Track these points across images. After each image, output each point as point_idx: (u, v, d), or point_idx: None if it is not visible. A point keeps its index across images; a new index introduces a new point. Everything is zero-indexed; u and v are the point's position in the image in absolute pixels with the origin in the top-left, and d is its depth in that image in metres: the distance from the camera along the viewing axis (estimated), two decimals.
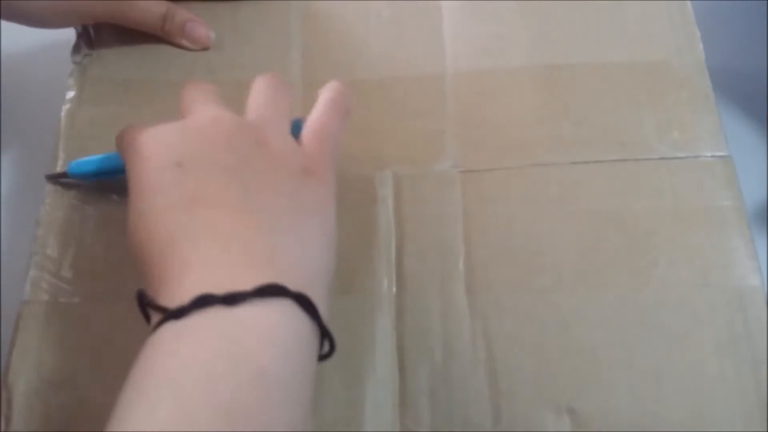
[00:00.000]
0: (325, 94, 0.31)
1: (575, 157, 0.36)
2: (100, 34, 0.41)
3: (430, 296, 0.34)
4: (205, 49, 0.40)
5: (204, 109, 0.29)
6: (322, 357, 0.25)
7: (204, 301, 0.22)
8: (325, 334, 0.24)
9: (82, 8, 0.37)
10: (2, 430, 0.31)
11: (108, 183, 0.37)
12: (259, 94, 0.30)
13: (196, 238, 0.24)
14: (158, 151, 0.26)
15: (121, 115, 0.39)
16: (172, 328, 0.22)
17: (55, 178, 0.37)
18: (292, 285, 0.23)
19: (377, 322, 0.33)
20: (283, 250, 0.25)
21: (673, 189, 0.35)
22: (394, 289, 0.34)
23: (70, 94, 0.39)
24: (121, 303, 0.34)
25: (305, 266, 0.25)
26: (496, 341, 0.33)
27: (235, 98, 0.38)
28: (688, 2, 0.40)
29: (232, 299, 0.22)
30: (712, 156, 0.36)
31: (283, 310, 0.23)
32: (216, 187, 0.25)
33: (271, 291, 0.23)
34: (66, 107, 0.39)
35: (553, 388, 0.32)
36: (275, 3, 0.42)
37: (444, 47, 0.40)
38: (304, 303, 0.23)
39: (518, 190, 0.36)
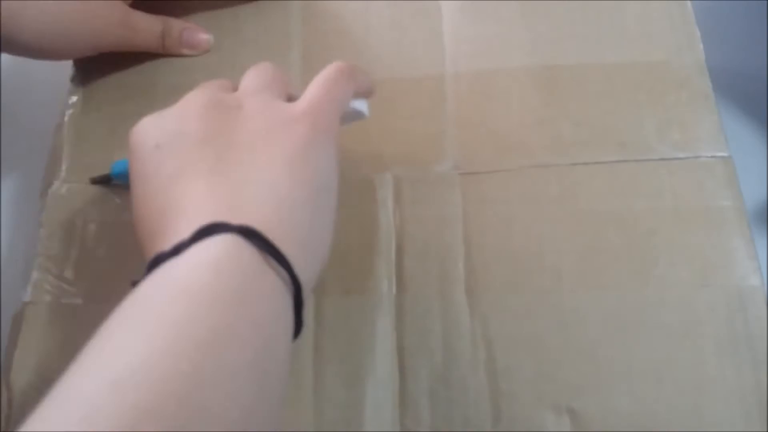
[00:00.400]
0: (333, 64, 0.31)
1: (575, 158, 0.36)
2: None
3: (430, 297, 0.34)
4: (206, 52, 0.41)
5: (192, 92, 0.29)
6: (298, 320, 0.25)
7: (156, 261, 0.23)
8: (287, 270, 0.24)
9: (88, 41, 0.37)
10: (3, 430, 0.32)
11: (110, 186, 0.37)
12: (248, 77, 0.31)
13: (179, 210, 0.25)
14: (140, 138, 0.28)
15: (123, 119, 0.38)
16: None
17: (99, 181, 0.37)
18: (256, 224, 0.23)
19: (377, 322, 0.33)
20: (249, 200, 0.25)
21: (673, 189, 0.35)
22: (394, 290, 0.34)
23: (73, 99, 0.40)
24: None
25: (269, 204, 0.25)
26: (496, 342, 0.33)
27: None
28: (688, 2, 0.40)
29: (176, 250, 0.23)
30: (712, 156, 0.36)
31: (223, 245, 0.23)
32: (190, 159, 0.26)
33: (210, 230, 0.23)
34: (69, 112, 0.39)
35: (553, 388, 0.32)
36: (275, 4, 0.42)
37: (444, 48, 0.40)
38: (252, 235, 0.23)
39: (518, 191, 0.36)
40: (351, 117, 0.33)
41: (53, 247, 0.35)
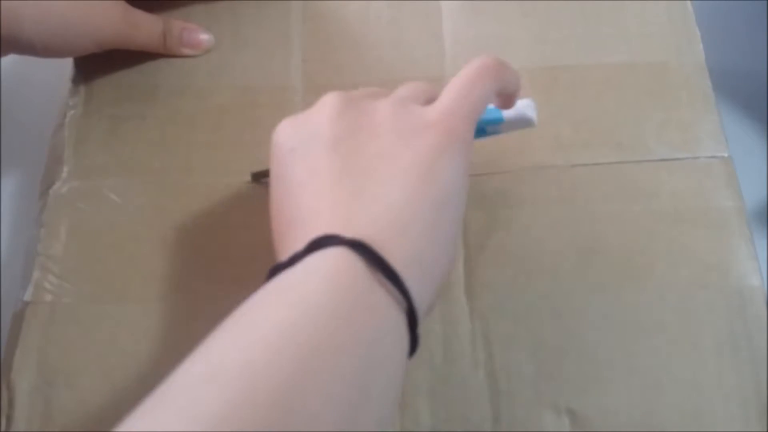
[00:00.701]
0: (475, 60, 0.29)
1: (574, 159, 0.36)
2: None
3: None
4: (206, 52, 0.41)
5: (330, 94, 0.29)
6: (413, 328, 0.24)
7: (274, 271, 0.24)
8: (403, 292, 0.23)
9: (90, 37, 0.37)
10: (3, 429, 0.32)
11: (109, 184, 0.37)
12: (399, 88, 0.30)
13: (301, 219, 0.26)
14: (279, 140, 0.28)
15: (124, 119, 0.39)
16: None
17: (259, 176, 0.36)
18: (367, 238, 0.23)
19: None
20: (365, 212, 0.25)
21: (672, 190, 0.35)
22: None
23: (73, 100, 0.40)
24: (123, 304, 0.34)
25: (385, 218, 0.24)
26: (496, 342, 0.33)
27: (236, 102, 0.39)
28: (688, 2, 0.40)
29: (291, 261, 0.24)
30: (711, 156, 0.36)
31: (332, 258, 0.23)
32: (318, 167, 0.26)
33: (322, 243, 0.23)
34: (69, 113, 0.39)
35: (553, 388, 0.32)
36: (275, 5, 0.42)
37: (444, 48, 0.40)
38: (362, 249, 0.23)
39: (517, 191, 0.36)
40: (516, 125, 0.32)
41: (53, 247, 0.35)
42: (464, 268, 0.34)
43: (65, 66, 0.41)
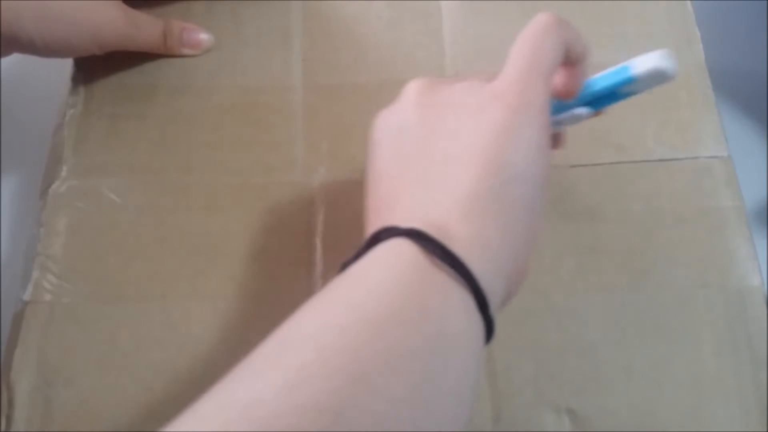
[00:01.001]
0: (532, 21, 0.27)
1: (574, 160, 0.36)
2: None
3: None
4: (206, 52, 0.41)
5: (412, 81, 0.29)
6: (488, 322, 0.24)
7: (343, 266, 0.24)
8: (475, 288, 0.23)
9: (91, 38, 0.37)
10: (3, 429, 0.32)
11: (108, 184, 0.37)
12: None
13: (375, 211, 0.26)
14: (371, 132, 0.29)
15: (124, 119, 0.39)
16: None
17: None
18: (427, 224, 0.23)
19: None
20: (427, 200, 0.24)
21: (672, 189, 0.35)
22: None
23: (73, 99, 0.40)
24: (122, 303, 0.34)
25: (447, 201, 0.24)
26: (496, 341, 0.32)
27: (236, 101, 0.39)
28: (688, 2, 0.40)
29: (356, 256, 0.24)
30: (711, 156, 0.36)
31: (390, 249, 0.23)
32: (392, 158, 0.27)
33: (381, 236, 0.24)
34: (69, 112, 0.39)
35: (553, 388, 0.32)
36: (275, 4, 0.42)
37: (444, 48, 0.40)
38: (418, 236, 0.23)
39: None
40: (651, 80, 0.28)
41: (52, 246, 0.35)
42: None
43: (65, 66, 0.41)
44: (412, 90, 0.28)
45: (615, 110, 0.37)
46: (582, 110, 0.30)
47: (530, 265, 0.26)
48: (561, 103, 0.29)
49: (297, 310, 0.23)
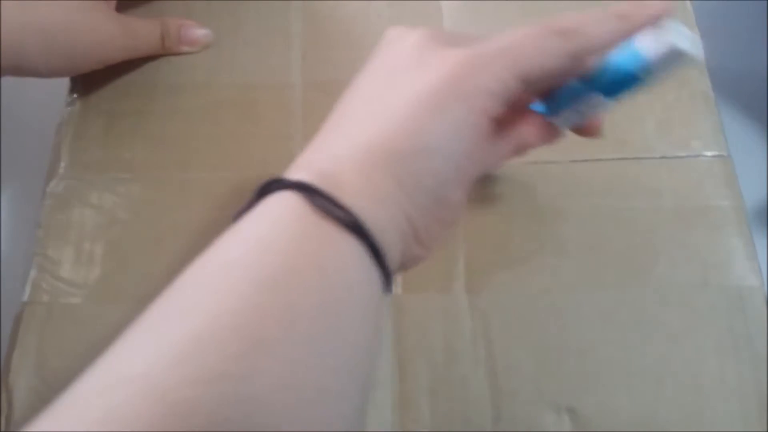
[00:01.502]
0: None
1: (575, 156, 0.36)
2: None
3: (430, 296, 0.34)
4: (205, 48, 0.41)
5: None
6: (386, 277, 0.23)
7: (237, 215, 0.24)
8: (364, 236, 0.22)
9: (94, 57, 0.37)
10: (2, 430, 0.31)
11: (108, 184, 0.37)
12: None
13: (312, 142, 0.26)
14: (372, 56, 0.28)
15: (122, 117, 0.39)
16: None
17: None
18: (318, 176, 0.23)
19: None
20: (330, 152, 0.24)
21: (672, 188, 0.35)
22: (394, 290, 0.34)
23: (72, 97, 0.40)
24: (121, 303, 0.34)
25: (346, 155, 0.23)
26: (496, 341, 0.33)
27: (235, 99, 0.39)
28: (688, 2, 0.40)
29: (248, 205, 0.24)
30: (711, 156, 0.36)
31: (278, 202, 0.23)
32: (350, 90, 0.26)
33: (269, 187, 0.24)
34: (68, 109, 0.39)
35: (553, 388, 0.32)
36: (275, 3, 0.42)
37: None
38: (305, 189, 0.22)
39: (518, 189, 0.36)
40: (668, 64, 0.25)
41: (51, 246, 0.35)
42: (465, 266, 0.34)
43: None
44: (421, 35, 0.26)
45: (616, 108, 0.37)
46: (597, 97, 0.27)
47: (435, 246, 0.25)
48: (573, 88, 0.27)
49: (181, 274, 0.23)
